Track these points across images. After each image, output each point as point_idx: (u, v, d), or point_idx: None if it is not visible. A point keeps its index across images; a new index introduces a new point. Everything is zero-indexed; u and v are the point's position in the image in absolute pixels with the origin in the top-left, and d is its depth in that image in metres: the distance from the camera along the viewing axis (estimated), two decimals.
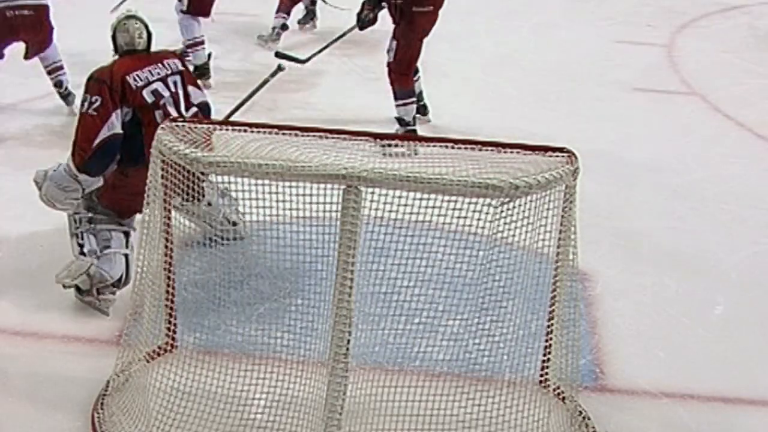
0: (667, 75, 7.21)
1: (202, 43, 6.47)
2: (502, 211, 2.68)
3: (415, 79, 5.79)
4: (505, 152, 2.87)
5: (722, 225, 4.70)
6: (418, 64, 5.76)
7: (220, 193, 3.83)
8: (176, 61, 3.93)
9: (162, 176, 2.95)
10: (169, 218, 3.13)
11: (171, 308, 3.23)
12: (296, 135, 2.92)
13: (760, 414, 3.34)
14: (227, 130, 2.96)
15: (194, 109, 3.87)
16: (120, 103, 3.64)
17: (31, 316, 3.65)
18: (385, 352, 3.20)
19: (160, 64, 3.83)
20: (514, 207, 2.69)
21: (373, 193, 2.67)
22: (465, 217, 2.70)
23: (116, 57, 3.93)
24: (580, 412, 3.12)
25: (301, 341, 3.08)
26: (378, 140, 2.92)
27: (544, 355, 3.12)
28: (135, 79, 3.70)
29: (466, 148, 2.91)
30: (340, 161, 2.70)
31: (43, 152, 5.24)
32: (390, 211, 2.69)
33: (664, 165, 5.41)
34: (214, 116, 4.07)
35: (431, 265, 2.91)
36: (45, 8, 5.48)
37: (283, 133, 2.92)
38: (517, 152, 2.87)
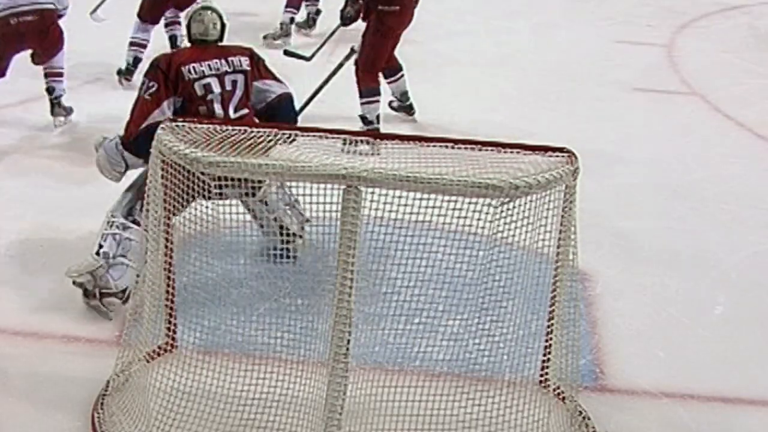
0: (667, 75, 7.21)
1: (141, 45, 6.38)
2: (502, 211, 2.68)
3: (396, 78, 5.80)
4: (505, 152, 2.87)
5: (722, 225, 4.70)
6: (402, 63, 5.77)
7: (287, 201, 3.81)
8: (243, 58, 3.91)
9: (162, 176, 2.95)
10: (169, 218, 3.13)
11: (171, 308, 3.23)
12: (296, 135, 2.92)
13: (760, 414, 3.34)
14: (227, 129, 2.95)
15: (244, 111, 3.86)
16: (173, 92, 3.73)
17: (31, 316, 3.65)
18: (385, 352, 3.20)
19: (223, 60, 3.84)
20: (514, 207, 2.69)
21: (373, 193, 2.67)
22: (465, 217, 2.70)
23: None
24: (580, 412, 3.12)
25: (301, 341, 3.08)
26: (378, 140, 2.93)
27: (544, 355, 3.12)
28: (190, 71, 3.75)
29: (466, 148, 2.91)
30: (340, 161, 2.70)
31: (43, 152, 5.25)
32: (390, 211, 2.69)
33: (664, 165, 5.41)
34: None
35: (431, 265, 2.91)
36: (51, 13, 5.36)
37: (283, 133, 2.92)
38: (517, 152, 2.87)
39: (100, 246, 3.66)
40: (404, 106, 5.94)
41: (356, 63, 5.55)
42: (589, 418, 3.11)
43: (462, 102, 6.35)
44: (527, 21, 8.57)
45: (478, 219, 2.70)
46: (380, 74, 5.65)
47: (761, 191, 5.12)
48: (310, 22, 7.97)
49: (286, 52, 6.27)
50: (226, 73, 3.81)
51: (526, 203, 2.71)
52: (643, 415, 3.24)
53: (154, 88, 3.71)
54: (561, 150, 2.89)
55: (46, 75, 5.58)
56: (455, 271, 2.93)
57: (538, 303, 3.04)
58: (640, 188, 5.07)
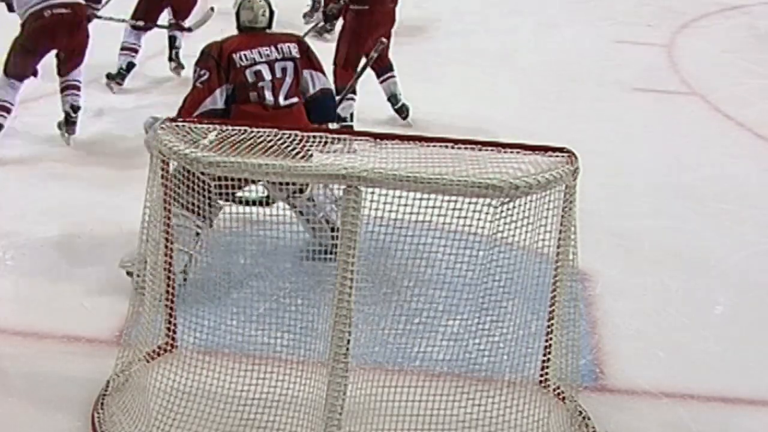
0: (667, 75, 7.21)
1: (133, 50, 6.35)
2: (502, 211, 2.69)
3: (384, 78, 5.80)
4: (505, 152, 2.88)
5: (722, 225, 4.70)
6: (394, 64, 5.76)
7: (331, 197, 3.81)
8: (292, 45, 3.93)
9: (162, 176, 2.95)
10: (169, 218, 3.13)
11: (171, 308, 3.23)
12: (297, 135, 2.93)
13: (760, 414, 3.34)
14: (228, 130, 2.96)
15: (294, 99, 3.87)
16: (225, 79, 3.76)
17: (31, 316, 3.64)
18: (385, 352, 3.20)
19: (273, 47, 3.87)
20: (514, 207, 2.69)
21: (373, 193, 2.67)
22: (465, 217, 2.70)
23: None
24: (580, 412, 3.12)
25: (301, 341, 3.08)
26: (378, 140, 2.93)
27: (544, 355, 3.12)
28: (241, 58, 3.78)
29: (466, 148, 2.91)
30: (340, 161, 2.70)
31: (44, 152, 5.25)
32: (390, 211, 2.69)
33: (664, 165, 5.41)
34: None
35: (431, 265, 2.91)
36: (82, 8, 5.31)
37: (284, 133, 2.93)
38: (517, 152, 2.87)
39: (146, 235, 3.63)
40: (395, 109, 5.89)
41: (333, 61, 5.59)
42: (589, 418, 3.10)
43: (462, 102, 6.35)
44: (527, 21, 8.58)
45: (478, 219, 2.70)
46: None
47: (761, 191, 5.12)
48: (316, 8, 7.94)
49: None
50: (276, 60, 3.84)
51: (526, 203, 2.71)
52: (643, 415, 3.24)
53: (205, 76, 3.75)
54: (561, 150, 2.90)
55: (66, 88, 5.39)
56: (455, 271, 2.93)
57: (538, 303, 3.05)
58: (640, 188, 5.07)
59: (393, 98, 5.86)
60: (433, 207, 2.66)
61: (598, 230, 4.31)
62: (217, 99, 3.74)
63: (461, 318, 3.09)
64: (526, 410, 2.90)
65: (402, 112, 5.90)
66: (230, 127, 2.98)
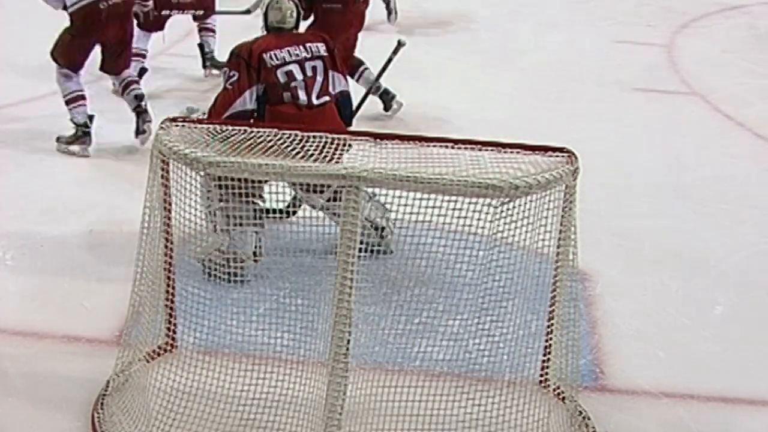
0: (667, 75, 7.21)
1: (143, 56, 6.24)
2: (502, 211, 2.69)
3: (359, 73, 5.76)
4: (505, 152, 2.88)
5: (722, 225, 4.70)
6: (361, 58, 5.75)
7: (367, 198, 3.75)
8: (320, 44, 3.95)
9: (162, 176, 2.95)
10: (169, 218, 3.13)
11: (171, 308, 3.23)
12: (297, 135, 2.93)
13: (760, 414, 3.34)
14: (228, 130, 2.96)
15: (326, 98, 3.89)
16: (256, 80, 3.77)
17: (31, 316, 3.64)
18: (385, 352, 3.20)
19: (301, 47, 3.89)
20: (514, 207, 2.69)
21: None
22: (465, 217, 2.70)
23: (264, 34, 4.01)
24: (580, 412, 3.12)
25: (301, 341, 3.08)
26: (378, 140, 2.93)
27: (544, 355, 3.12)
28: (272, 58, 3.80)
29: (466, 148, 2.91)
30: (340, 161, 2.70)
31: (44, 152, 5.24)
32: (390, 211, 2.69)
33: (664, 165, 5.41)
34: None
35: (431, 265, 2.91)
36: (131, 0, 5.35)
37: (284, 133, 2.93)
38: (517, 152, 2.87)
39: (213, 223, 3.60)
40: (383, 99, 5.83)
41: None
42: (589, 418, 3.10)
43: (462, 102, 6.35)
44: (527, 21, 8.57)
45: (478, 219, 2.70)
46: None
47: (761, 191, 5.12)
48: None
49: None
50: (306, 59, 3.86)
51: (526, 203, 2.71)
52: (643, 415, 3.24)
53: (235, 77, 3.77)
54: (561, 150, 2.90)
55: (126, 86, 5.36)
56: (455, 271, 2.93)
57: (538, 303, 3.05)
58: (640, 188, 5.07)
59: (376, 86, 5.73)
60: (433, 207, 2.66)
61: (598, 230, 4.32)
62: (247, 100, 3.76)
63: (461, 318, 3.09)
64: (526, 410, 2.90)
65: (387, 94, 5.86)
66: (230, 127, 2.98)
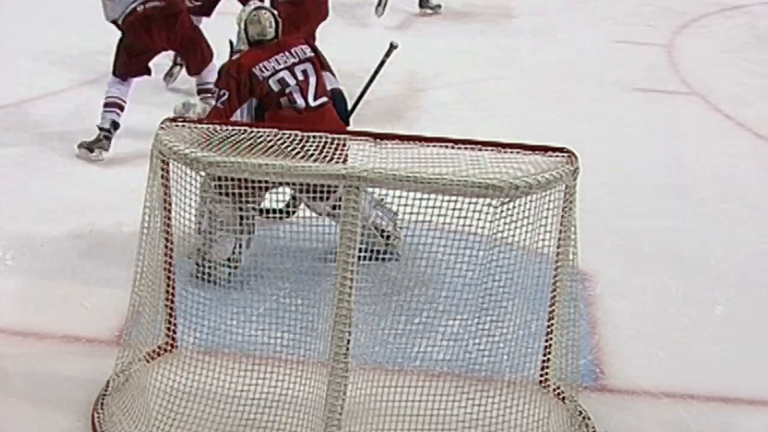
0: (667, 75, 7.21)
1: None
2: (502, 211, 2.69)
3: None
4: (505, 152, 2.88)
5: (722, 225, 4.69)
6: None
7: (373, 203, 3.77)
8: (304, 47, 3.96)
9: (162, 176, 2.95)
10: (169, 218, 3.13)
11: (171, 308, 3.23)
12: (297, 135, 2.93)
13: (760, 414, 3.34)
14: (228, 130, 2.96)
15: (324, 99, 3.89)
16: (248, 95, 3.79)
17: (31, 316, 3.64)
18: (385, 352, 3.21)
19: (287, 53, 3.89)
20: (514, 207, 2.69)
21: (373, 193, 2.67)
22: (465, 217, 2.70)
23: (244, 49, 4.01)
24: (580, 412, 3.12)
25: (301, 341, 3.08)
26: (378, 140, 2.93)
27: (544, 355, 3.12)
28: (261, 70, 3.81)
29: (466, 148, 2.91)
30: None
31: (44, 152, 5.25)
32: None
33: (664, 165, 5.41)
34: None
35: (431, 265, 2.91)
36: (179, 2, 5.25)
37: (284, 133, 2.93)
38: (517, 152, 2.87)
39: (199, 224, 3.62)
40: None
41: None
42: (589, 418, 3.11)
43: (462, 102, 6.35)
44: (527, 21, 8.57)
45: (478, 219, 2.70)
46: None
47: (761, 191, 5.11)
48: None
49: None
50: (294, 64, 3.88)
51: (526, 203, 2.71)
52: (643, 415, 3.24)
53: (225, 96, 3.77)
54: (561, 150, 2.90)
55: (198, 93, 5.35)
56: (455, 271, 2.93)
57: (538, 303, 3.05)
58: (640, 188, 5.07)
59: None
60: (433, 207, 2.66)
61: (598, 230, 4.32)
62: (238, 118, 3.80)
63: (461, 318, 3.09)
64: (526, 410, 2.90)
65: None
66: (230, 127, 2.98)
